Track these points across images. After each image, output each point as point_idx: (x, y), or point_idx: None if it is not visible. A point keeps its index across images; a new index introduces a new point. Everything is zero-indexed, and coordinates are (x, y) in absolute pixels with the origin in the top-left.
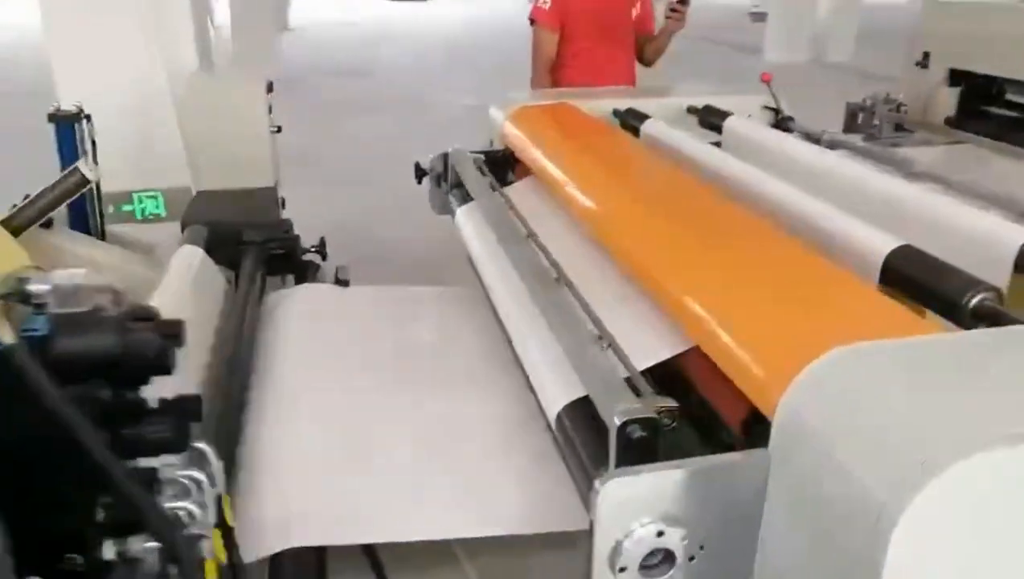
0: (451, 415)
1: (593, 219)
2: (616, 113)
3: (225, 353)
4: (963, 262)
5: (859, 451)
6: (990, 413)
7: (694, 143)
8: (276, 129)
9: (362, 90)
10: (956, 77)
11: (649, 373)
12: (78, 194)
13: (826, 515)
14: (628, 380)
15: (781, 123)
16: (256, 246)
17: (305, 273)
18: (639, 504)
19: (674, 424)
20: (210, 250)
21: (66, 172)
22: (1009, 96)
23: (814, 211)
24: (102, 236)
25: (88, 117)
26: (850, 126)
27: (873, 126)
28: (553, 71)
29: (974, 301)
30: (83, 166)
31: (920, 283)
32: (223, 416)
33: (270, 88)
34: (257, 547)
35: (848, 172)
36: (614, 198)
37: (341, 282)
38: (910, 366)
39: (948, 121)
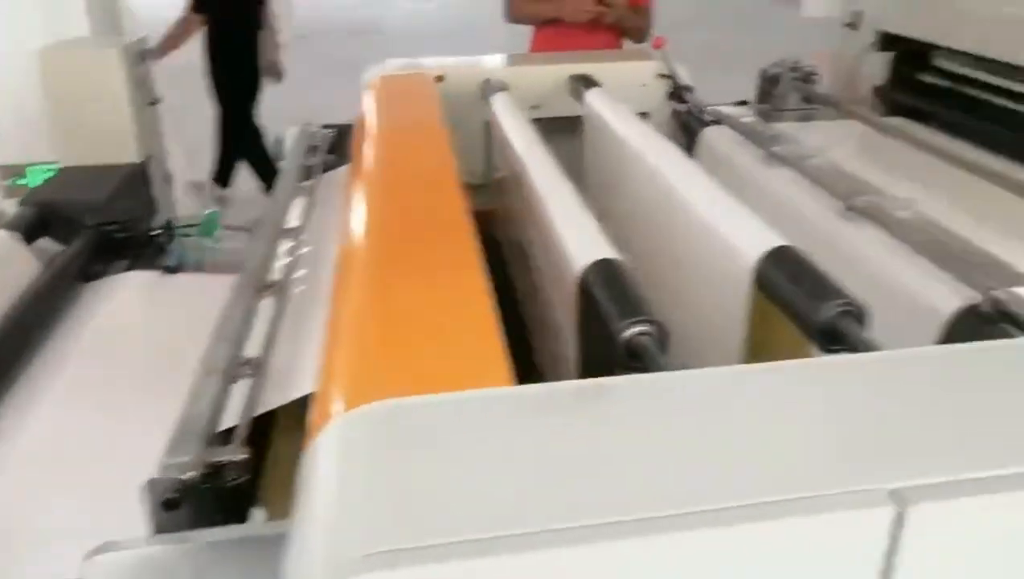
0: None
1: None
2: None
3: None
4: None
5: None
6: (432, 519)
7: (511, 123)
8: (153, 101)
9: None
10: (888, 41)
11: None
12: None
13: None
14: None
15: (677, 92)
16: (88, 229)
17: (138, 259)
18: None
19: (239, 480)
20: (39, 232)
21: None
22: (941, 65)
23: (547, 208)
24: None
25: None
26: (764, 96)
27: (780, 97)
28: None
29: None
30: None
31: None
32: None
33: (144, 57)
34: None
35: (649, 165)
36: (352, 206)
37: (169, 270)
38: (400, 441)
39: (878, 93)
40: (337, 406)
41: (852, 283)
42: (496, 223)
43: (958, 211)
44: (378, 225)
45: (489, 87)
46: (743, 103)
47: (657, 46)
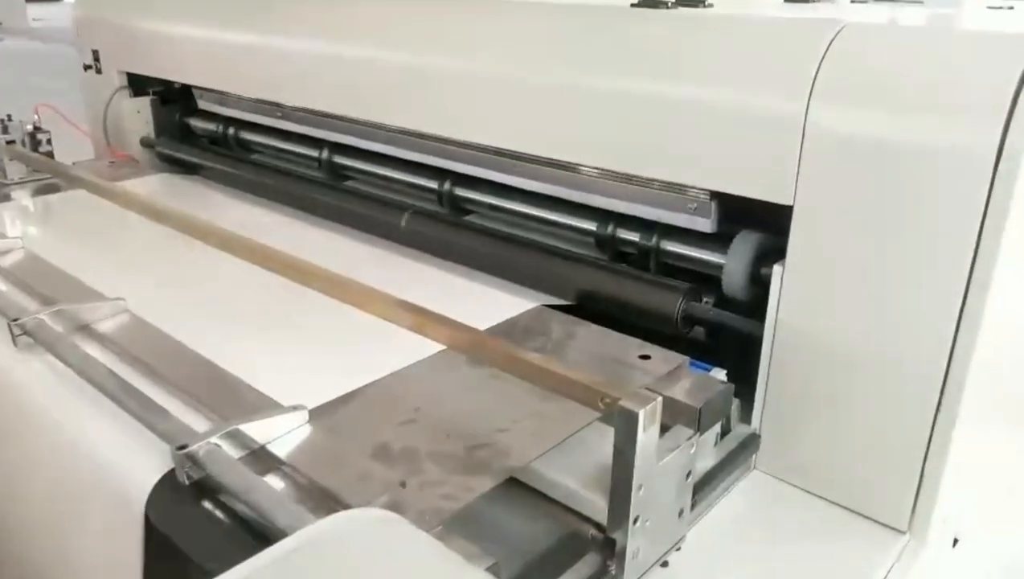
0: None
1: None
2: None
3: None
4: None
5: None
6: None
7: None
8: None
9: None
10: (140, 84)
11: None
12: None
13: None
14: None
15: None
16: None
17: None
18: None
19: None
20: None
21: None
22: (208, 109)
23: None
24: None
25: None
26: None
27: None
28: None
29: None
30: None
31: None
32: None
33: None
34: None
35: None
36: None
37: None
38: None
39: (146, 145)
40: None
41: (31, 448)
42: None
43: (184, 303)
44: None
45: None
46: None
47: None
